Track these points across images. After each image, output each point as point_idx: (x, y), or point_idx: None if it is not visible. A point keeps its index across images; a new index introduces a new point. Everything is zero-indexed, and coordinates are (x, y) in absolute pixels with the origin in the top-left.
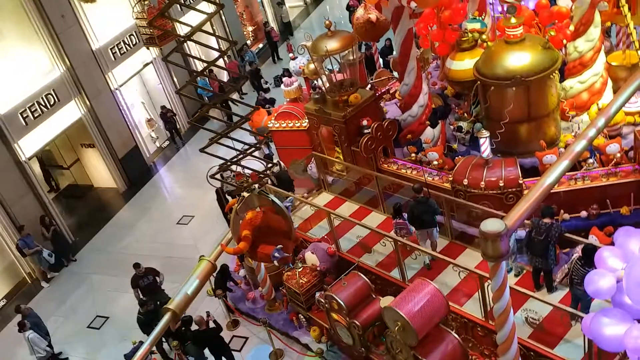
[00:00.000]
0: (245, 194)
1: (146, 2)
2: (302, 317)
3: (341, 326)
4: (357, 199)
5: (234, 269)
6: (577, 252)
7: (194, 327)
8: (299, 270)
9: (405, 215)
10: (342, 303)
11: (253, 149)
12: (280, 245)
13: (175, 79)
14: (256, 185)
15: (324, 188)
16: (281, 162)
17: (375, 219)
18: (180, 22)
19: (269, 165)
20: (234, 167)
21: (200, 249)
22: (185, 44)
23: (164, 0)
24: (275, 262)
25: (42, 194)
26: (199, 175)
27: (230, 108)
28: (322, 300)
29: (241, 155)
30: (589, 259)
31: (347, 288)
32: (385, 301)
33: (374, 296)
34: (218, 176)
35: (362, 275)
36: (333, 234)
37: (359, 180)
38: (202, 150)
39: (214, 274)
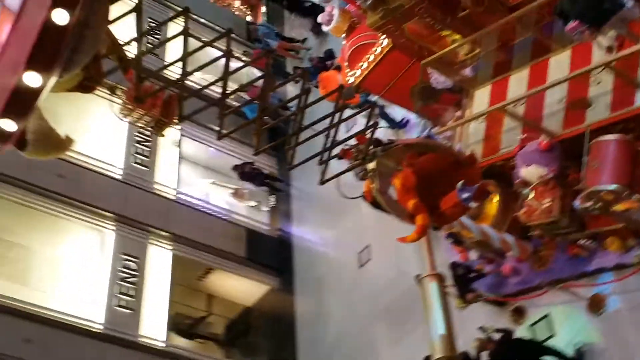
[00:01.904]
0: (371, 165)
1: (118, 93)
2: (583, 242)
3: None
4: (518, 63)
5: (461, 258)
6: None
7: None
8: (531, 197)
9: None
10: (613, 188)
11: (337, 112)
12: (461, 181)
13: (216, 128)
14: (373, 147)
15: (470, 87)
16: None
17: (559, 64)
18: (166, 67)
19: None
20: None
21: (408, 271)
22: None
23: (132, 70)
24: (472, 204)
25: None
26: (333, 199)
27: None
28: (587, 204)
29: (327, 131)
30: None
31: (603, 165)
32: None
33: None
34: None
35: (606, 136)
36: (528, 124)
37: (500, 41)
38: (290, 167)
39: (447, 284)
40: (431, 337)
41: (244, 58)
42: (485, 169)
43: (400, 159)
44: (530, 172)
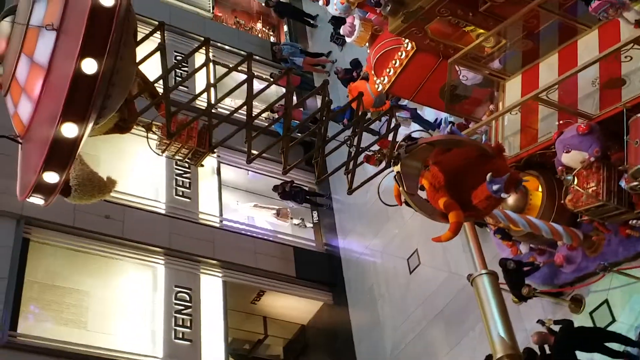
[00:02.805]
0: (397, 168)
1: (154, 129)
2: (634, 222)
3: None
4: (545, 49)
5: (512, 253)
6: None
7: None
8: (576, 183)
9: None
10: None
11: (359, 122)
12: (489, 174)
13: (253, 151)
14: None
15: (500, 79)
16: None
17: (587, 46)
18: (194, 98)
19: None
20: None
21: (459, 272)
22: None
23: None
24: (504, 195)
25: None
26: (376, 207)
27: None
28: (634, 183)
29: (350, 141)
30: None
31: None
32: None
33: None
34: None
35: None
36: (564, 109)
37: (525, 29)
38: (319, 181)
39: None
40: (490, 336)
41: (272, 79)
42: (525, 159)
43: (425, 158)
44: (571, 157)
